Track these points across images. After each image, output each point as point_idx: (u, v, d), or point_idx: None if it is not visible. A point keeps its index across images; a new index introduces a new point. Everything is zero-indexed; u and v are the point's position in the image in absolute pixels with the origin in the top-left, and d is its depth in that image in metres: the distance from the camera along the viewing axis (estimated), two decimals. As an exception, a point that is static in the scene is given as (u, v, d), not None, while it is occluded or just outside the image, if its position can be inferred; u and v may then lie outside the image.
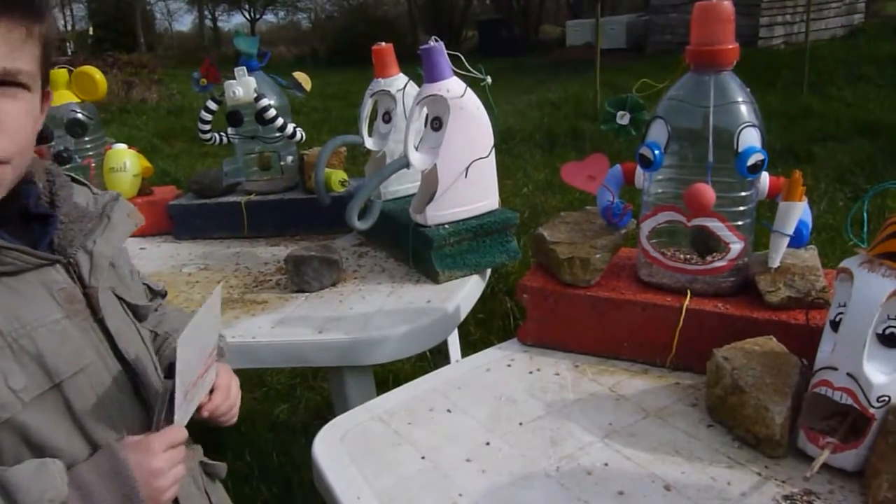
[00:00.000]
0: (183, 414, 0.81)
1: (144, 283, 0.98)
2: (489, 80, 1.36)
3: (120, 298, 0.85)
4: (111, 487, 0.73)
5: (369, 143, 1.70)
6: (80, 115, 1.90)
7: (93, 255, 0.81)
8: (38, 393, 0.72)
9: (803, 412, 0.87)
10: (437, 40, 1.39)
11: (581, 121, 6.86)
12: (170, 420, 0.80)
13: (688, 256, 1.08)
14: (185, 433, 0.81)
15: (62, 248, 0.78)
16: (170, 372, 0.82)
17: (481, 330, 2.80)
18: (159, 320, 0.98)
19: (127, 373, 0.82)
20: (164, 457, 0.77)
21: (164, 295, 1.04)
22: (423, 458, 0.91)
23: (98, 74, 1.92)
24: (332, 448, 0.95)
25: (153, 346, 0.94)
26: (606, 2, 14.59)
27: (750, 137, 0.99)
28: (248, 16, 27.35)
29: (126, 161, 1.92)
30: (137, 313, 0.89)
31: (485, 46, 15.99)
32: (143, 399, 0.84)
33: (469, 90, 1.40)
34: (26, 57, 0.71)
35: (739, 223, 1.03)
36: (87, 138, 1.93)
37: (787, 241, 1.02)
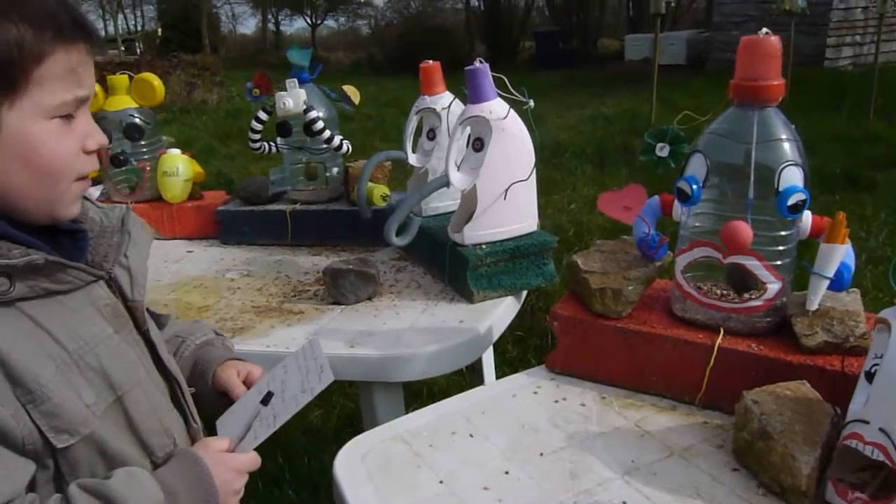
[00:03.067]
0: (255, 443, 0.86)
1: None
2: (532, 103, 1.36)
3: (147, 310, 0.88)
4: (195, 494, 0.77)
5: (413, 158, 1.71)
6: (137, 120, 1.97)
7: (130, 270, 0.83)
8: (104, 407, 0.74)
9: (833, 463, 0.84)
10: (482, 62, 1.40)
11: (634, 137, 6.77)
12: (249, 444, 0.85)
13: (724, 292, 1.06)
14: (259, 463, 0.87)
15: (97, 263, 0.80)
16: (266, 400, 0.87)
17: (518, 348, 2.79)
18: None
19: (166, 381, 0.86)
20: (244, 478, 0.83)
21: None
22: (441, 482, 0.92)
23: (156, 81, 1.98)
24: (352, 465, 0.96)
25: (168, 349, 0.97)
26: (667, 17, 14.40)
27: (792, 176, 0.96)
28: (309, 21, 27.88)
29: (179, 166, 1.98)
30: (158, 322, 0.93)
31: (541, 58, 15.97)
32: (180, 406, 0.87)
33: (512, 112, 1.41)
34: None
35: (778, 263, 1.01)
36: (143, 142, 1.99)
37: (826, 283, 0.99)
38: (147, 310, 0.88)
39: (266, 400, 0.87)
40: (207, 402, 0.96)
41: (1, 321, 0.69)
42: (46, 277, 0.72)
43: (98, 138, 0.76)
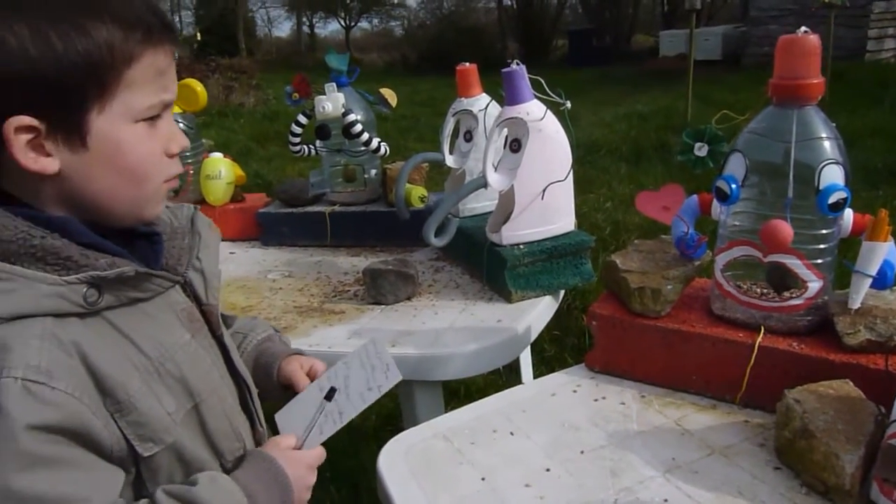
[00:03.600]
0: (321, 439, 0.87)
1: None
2: (569, 104, 1.37)
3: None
4: (272, 493, 0.79)
5: (450, 160, 1.73)
6: (181, 125, 2.01)
7: (204, 273, 0.83)
8: (183, 414, 0.75)
9: (878, 463, 0.84)
10: (518, 63, 1.41)
11: (670, 134, 6.70)
12: (315, 440, 0.87)
13: (765, 291, 1.06)
14: (325, 457, 0.88)
15: (171, 267, 0.79)
16: (329, 395, 0.88)
17: (555, 347, 2.79)
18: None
19: (236, 385, 0.86)
20: (314, 473, 0.86)
21: None
22: (482, 479, 0.93)
23: (199, 87, 2.03)
24: (395, 462, 0.98)
25: None
26: (702, 12, 14.20)
27: (832, 174, 0.96)
28: (343, 23, 28.11)
29: (221, 169, 2.03)
30: (226, 323, 0.94)
31: (574, 56, 15.88)
32: (247, 410, 0.88)
33: (549, 113, 1.42)
34: None
35: (819, 261, 1.01)
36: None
37: (869, 281, 0.98)
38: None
39: (330, 395, 0.88)
40: (271, 396, 0.97)
41: (90, 332, 0.69)
42: (133, 287, 0.72)
43: (180, 141, 0.77)
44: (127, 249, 0.74)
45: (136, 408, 0.69)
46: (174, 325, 0.77)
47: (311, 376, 0.96)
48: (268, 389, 0.97)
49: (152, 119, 0.72)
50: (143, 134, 0.72)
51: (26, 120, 0.65)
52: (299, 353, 1.02)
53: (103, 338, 0.70)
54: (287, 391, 0.96)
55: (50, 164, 0.67)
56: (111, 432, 0.68)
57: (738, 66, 11.26)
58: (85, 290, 0.68)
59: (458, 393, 2.46)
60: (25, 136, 0.66)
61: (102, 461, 0.68)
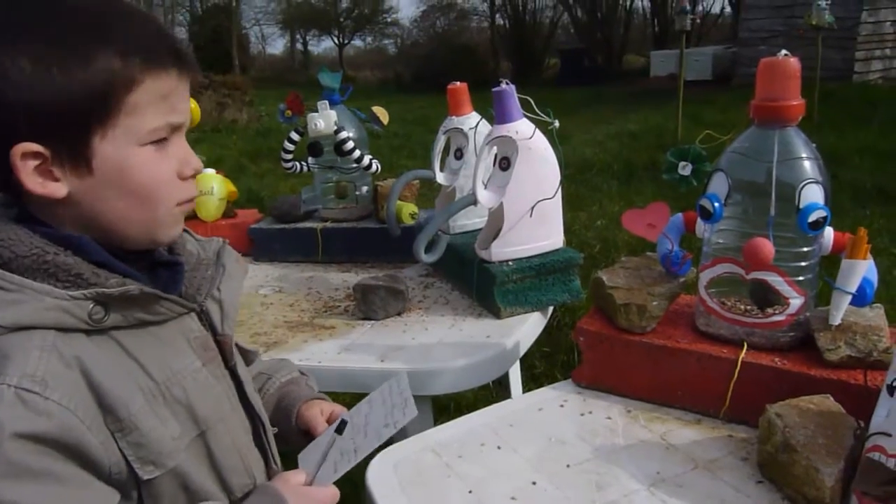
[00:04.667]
0: (335, 476, 0.83)
1: None
2: (557, 123, 1.39)
3: (236, 345, 0.87)
4: None
5: (440, 178, 1.76)
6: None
7: (222, 304, 0.83)
8: (188, 441, 0.74)
9: (858, 476, 0.85)
10: (508, 83, 1.44)
11: (660, 153, 6.75)
12: (327, 476, 0.83)
13: (748, 308, 1.08)
14: (338, 496, 0.84)
15: (190, 295, 0.80)
16: (340, 428, 0.85)
17: (545, 364, 2.81)
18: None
19: (249, 419, 0.85)
20: None
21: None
22: (470, 492, 0.94)
23: (193, 103, 2.05)
24: (384, 475, 0.99)
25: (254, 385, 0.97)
26: (692, 33, 14.37)
27: (812, 194, 0.98)
28: (336, 41, 28.29)
29: (213, 185, 2.04)
30: (246, 358, 0.93)
31: (566, 75, 16.01)
32: (261, 444, 0.87)
33: (538, 132, 1.44)
34: None
35: (800, 278, 1.03)
36: (179, 163, 2.06)
37: (848, 298, 1.00)
38: (236, 345, 0.87)
39: (340, 429, 0.85)
40: (290, 441, 0.95)
41: (95, 348, 0.69)
42: (141, 308, 0.72)
43: (194, 164, 0.76)
44: (147, 276, 0.75)
45: (138, 427, 0.69)
46: (185, 352, 0.77)
47: (331, 421, 0.93)
48: (288, 434, 0.95)
49: (160, 142, 0.73)
50: (150, 157, 0.72)
51: (32, 146, 0.66)
52: (322, 398, 1.00)
53: (109, 356, 0.70)
54: (307, 437, 0.94)
55: (58, 189, 0.68)
56: (110, 452, 0.67)
57: (728, 86, 11.38)
58: (91, 306, 0.68)
59: (448, 409, 2.47)
60: (33, 162, 0.67)
61: (97, 481, 0.67)
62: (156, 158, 0.72)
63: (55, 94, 0.65)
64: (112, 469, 0.68)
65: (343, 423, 0.86)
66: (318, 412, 0.95)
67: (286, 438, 0.95)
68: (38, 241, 0.68)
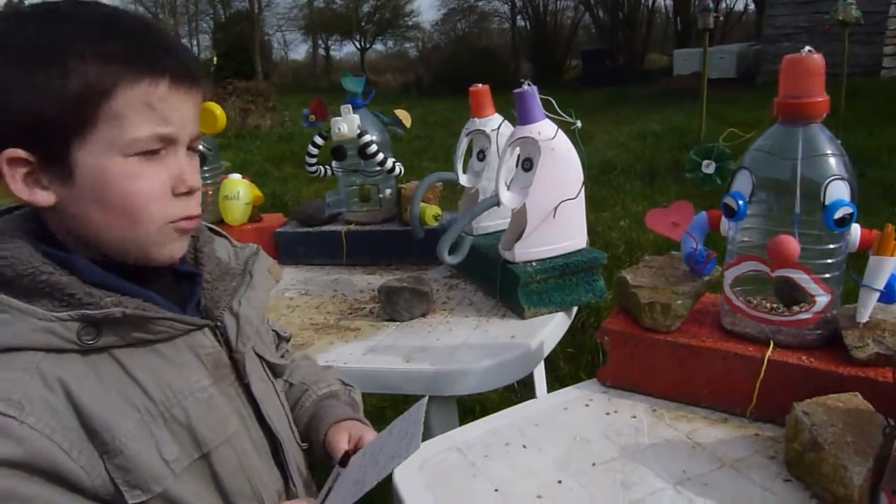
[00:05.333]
0: None
1: (273, 329, 1.00)
2: (579, 124, 1.40)
3: (260, 358, 0.85)
4: None
5: (463, 179, 1.77)
6: (201, 147, 2.06)
7: (239, 318, 0.80)
8: (188, 463, 0.71)
9: (886, 475, 0.85)
10: (530, 84, 1.44)
11: (683, 153, 6.70)
12: None
13: (774, 306, 1.07)
14: None
15: (208, 309, 0.78)
16: (343, 460, 0.84)
17: (570, 365, 2.80)
18: (291, 370, 1.01)
19: (267, 438, 0.83)
20: None
21: (288, 339, 1.07)
22: (496, 490, 0.95)
23: (218, 110, 2.08)
24: (411, 475, 1.00)
25: (290, 396, 0.96)
26: (715, 31, 14.23)
27: (838, 191, 0.98)
28: (358, 45, 28.46)
29: (240, 190, 2.07)
30: (275, 371, 0.90)
31: (588, 76, 15.97)
32: (280, 463, 0.84)
33: (560, 132, 1.44)
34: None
35: (826, 276, 1.02)
36: (206, 168, 2.09)
37: (876, 296, 1.00)
38: (264, 360, 0.86)
39: (343, 461, 0.84)
40: (321, 460, 0.93)
41: (87, 369, 0.67)
42: (135, 328, 0.69)
43: (189, 181, 0.73)
44: (169, 288, 0.74)
45: (123, 452, 0.67)
46: (193, 370, 0.74)
47: (359, 446, 0.90)
48: (317, 453, 0.94)
49: (151, 154, 0.70)
50: (136, 170, 0.69)
51: (18, 153, 0.66)
52: (357, 418, 0.97)
53: (103, 376, 0.68)
54: (331, 459, 0.92)
55: (45, 198, 0.68)
56: (95, 473, 0.66)
57: (752, 84, 11.26)
58: (79, 327, 0.67)
59: (474, 411, 2.47)
60: (22, 169, 0.68)
61: (77, 500, 0.65)
62: (143, 172, 0.70)
63: (35, 101, 0.65)
64: (99, 490, 0.66)
65: (347, 456, 0.85)
66: (346, 437, 0.92)
67: (317, 457, 0.93)
68: (36, 260, 0.67)
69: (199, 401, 0.73)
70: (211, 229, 0.89)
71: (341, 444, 0.90)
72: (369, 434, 0.93)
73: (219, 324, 0.78)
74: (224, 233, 0.90)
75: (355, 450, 0.90)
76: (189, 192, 0.74)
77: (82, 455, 0.65)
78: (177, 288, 0.78)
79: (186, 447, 0.71)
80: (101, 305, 0.67)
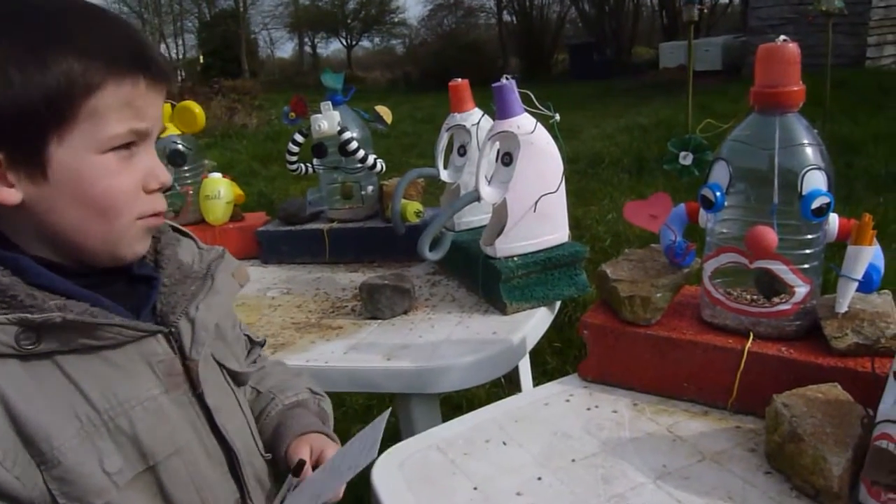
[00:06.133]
0: None
1: (245, 334, 0.98)
2: (557, 117, 1.39)
3: (220, 365, 0.82)
4: None
5: (444, 175, 1.75)
6: (180, 147, 2.04)
7: (194, 324, 0.76)
8: (132, 476, 0.68)
9: (866, 465, 0.84)
10: (508, 78, 1.43)
11: (671, 145, 6.71)
12: None
13: (754, 297, 1.07)
14: None
15: (164, 314, 0.75)
16: (296, 469, 0.81)
17: (557, 359, 2.80)
18: (260, 377, 0.98)
19: (223, 449, 0.79)
20: None
21: (262, 344, 1.03)
22: (475, 488, 0.94)
23: (197, 108, 2.06)
24: (390, 474, 0.99)
25: (256, 405, 0.94)
26: (701, 23, 14.27)
27: (815, 180, 0.97)
28: (344, 42, 28.37)
29: (220, 189, 2.05)
30: (238, 379, 0.86)
31: (575, 70, 15.98)
32: (236, 475, 0.80)
33: (539, 126, 1.43)
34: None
35: (805, 266, 1.02)
36: (186, 168, 2.07)
37: (855, 285, 0.99)
38: (224, 367, 0.83)
39: (297, 470, 0.82)
40: (284, 471, 0.89)
41: (26, 375, 0.64)
42: (80, 333, 0.66)
43: (161, 177, 0.73)
44: (124, 292, 0.72)
45: (61, 463, 0.64)
46: (142, 378, 0.71)
47: (320, 461, 0.87)
48: (280, 465, 0.90)
49: (124, 149, 0.69)
50: (111, 166, 0.68)
51: None
52: (322, 431, 0.93)
53: (43, 383, 0.65)
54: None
55: (11, 196, 0.66)
56: (32, 484, 0.63)
57: (739, 76, 11.28)
58: (17, 331, 0.64)
59: (461, 408, 2.46)
60: None
61: None
62: (117, 168, 0.69)
63: (10, 97, 0.63)
64: (37, 502, 0.64)
65: (301, 464, 0.83)
66: (307, 450, 0.88)
67: (280, 467, 0.90)
68: None
69: (148, 410, 0.70)
70: (176, 229, 0.86)
71: (302, 456, 0.87)
72: (331, 449, 0.89)
73: (172, 330, 0.75)
74: (190, 233, 0.87)
75: (316, 463, 0.87)
76: (160, 189, 0.74)
77: (17, 465, 0.62)
78: (132, 292, 0.75)
79: (131, 459, 0.68)
80: (44, 309, 0.65)
